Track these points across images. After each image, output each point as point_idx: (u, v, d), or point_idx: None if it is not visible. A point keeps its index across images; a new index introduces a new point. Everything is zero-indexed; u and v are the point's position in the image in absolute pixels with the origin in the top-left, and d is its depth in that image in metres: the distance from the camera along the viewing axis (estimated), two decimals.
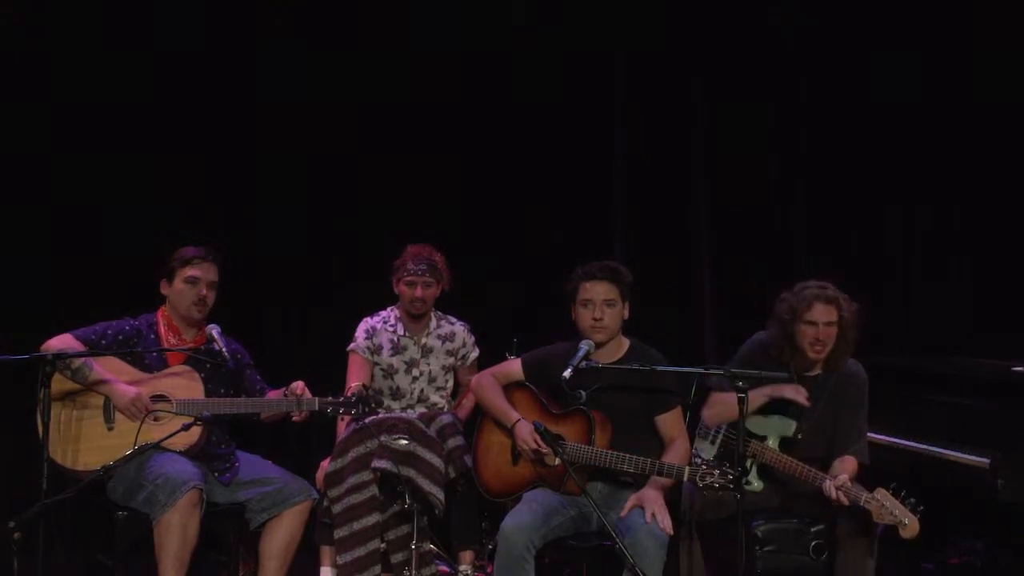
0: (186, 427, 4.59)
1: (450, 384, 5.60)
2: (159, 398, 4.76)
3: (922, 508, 4.47)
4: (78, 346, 4.70)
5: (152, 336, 4.87)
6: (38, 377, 4.44)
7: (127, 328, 4.86)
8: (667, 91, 6.75)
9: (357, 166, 6.49)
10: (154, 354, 4.85)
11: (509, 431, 4.78)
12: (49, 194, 6.11)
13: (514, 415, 4.78)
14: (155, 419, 4.69)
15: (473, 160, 6.58)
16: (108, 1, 6.12)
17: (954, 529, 5.48)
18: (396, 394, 5.49)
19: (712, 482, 4.33)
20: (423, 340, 5.51)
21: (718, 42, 6.70)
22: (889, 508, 4.45)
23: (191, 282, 4.87)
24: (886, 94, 6.71)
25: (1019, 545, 5.27)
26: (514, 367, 4.96)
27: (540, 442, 4.62)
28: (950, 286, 6.84)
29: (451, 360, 5.55)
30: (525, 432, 4.70)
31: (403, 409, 5.46)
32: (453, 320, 5.61)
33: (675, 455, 4.69)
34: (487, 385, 4.92)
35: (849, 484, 4.58)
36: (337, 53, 6.44)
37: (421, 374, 5.50)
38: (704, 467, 4.36)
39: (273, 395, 4.98)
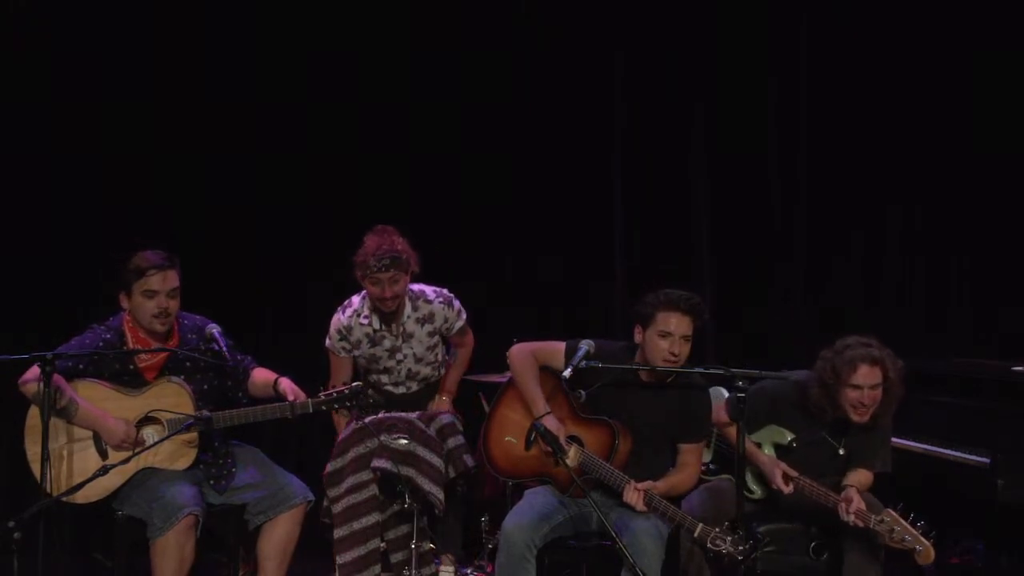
0: (186, 427, 4.56)
1: (440, 352, 5.45)
2: (148, 419, 4.66)
3: (934, 533, 4.40)
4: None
5: (123, 347, 4.68)
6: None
7: (100, 344, 4.68)
8: (667, 90, 6.75)
9: (357, 166, 6.49)
10: (131, 367, 4.70)
11: (530, 415, 4.69)
12: (49, 193, 6.11)
13: (543, 407, 4.67)
14: (147, 447, 4.59)
15: (473, 160, 6.57)
16: (108, 1, 6.13)
17: (954, 529, 5.49)
18: (385, 372, 5.39)
19: (722, 549, 4.27)
20: (401, 328, 5.33)
21: (718, 42, 6.70)
22: (900, 532, 4.38)
23: (149, 296, 4.62)
24: (886, 94, 6.71)
25: (1019, 545, 5.27)
26: (558, 350, 4.73)
27: (543, 442, 4.56)
28: (949, 286, 6.85)
29: (435, 338, 5.39)
30: (551, 427, 4.59)
31: (394, 384, 5.40)
32: (429, 297, 5.34)
33: (680, 479, 4.67)
34: (527, 365, 4.75)
35: (863, 507, 4.50)
36: (337, 53, 6.44)
37: (405, 356, 5.37)
38: (717, 531, 4.30)
39: (259, 374, 4.87)
